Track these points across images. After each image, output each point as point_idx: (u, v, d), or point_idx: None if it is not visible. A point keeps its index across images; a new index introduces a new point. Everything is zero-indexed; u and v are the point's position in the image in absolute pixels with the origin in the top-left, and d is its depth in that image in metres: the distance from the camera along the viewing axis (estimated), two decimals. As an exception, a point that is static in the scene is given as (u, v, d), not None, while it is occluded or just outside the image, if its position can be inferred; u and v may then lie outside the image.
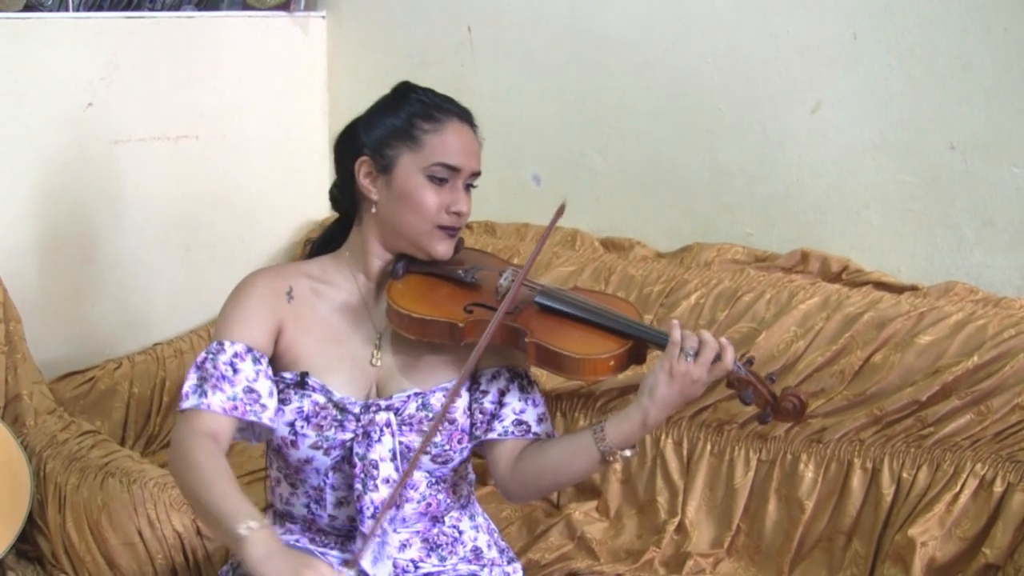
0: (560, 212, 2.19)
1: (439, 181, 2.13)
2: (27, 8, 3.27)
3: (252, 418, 2.05)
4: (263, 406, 2.07)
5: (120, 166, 3.33)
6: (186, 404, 2.05)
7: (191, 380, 2.07)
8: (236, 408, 2.04)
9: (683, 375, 1.97)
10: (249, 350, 2.09)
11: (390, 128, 2.15)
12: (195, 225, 3.56)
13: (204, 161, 3.55)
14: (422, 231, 2.14)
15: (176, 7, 3.61)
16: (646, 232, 3.27)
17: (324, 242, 2.35)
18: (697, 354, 1.97)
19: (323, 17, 3.84)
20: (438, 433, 2.14)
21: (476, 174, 2.20)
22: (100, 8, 3.45)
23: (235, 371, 2.06)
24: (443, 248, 2.17)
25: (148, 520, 2.52)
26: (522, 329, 2.07)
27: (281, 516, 2.30)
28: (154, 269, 3.47)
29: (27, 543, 2.72)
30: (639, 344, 2.08)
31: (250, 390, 2.06)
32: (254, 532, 1.82)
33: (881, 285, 2.83)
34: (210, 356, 2.08)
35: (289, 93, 3.76)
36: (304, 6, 3.78)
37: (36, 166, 3.14)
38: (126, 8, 3.45)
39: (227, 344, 2.09)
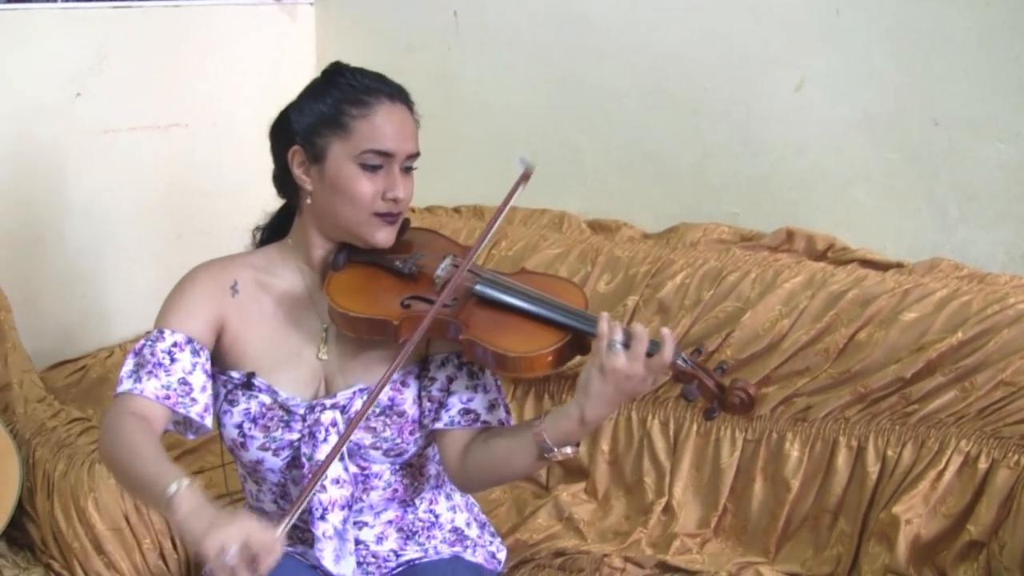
0: (525, 177, 2.16)
1: (372, 168, 2.07)
2: (15, -1, 3.28)
3: (182, 411, 2.04)
4: (194, 400, 2.05)
5: (110, 155, 3.35)
6: (120, 389, 2.03)
7: (127, 365, 2.05)
8: (169, 398, 2.02)
9: (615, 371, 1.89)
10: (189, 341, 2.07)
11: (318, 115, 2.09)
12: (186, 213, 3.57)
13: (194, 149, 3.56)
14: (359, 220, 2.10)
15: (165, -4, 3.62)
16: (632, 213, 3.26)
17: (271, 229, 2.32)
18: (627, 347, 1.89)
19: (311, 4, 3.85)
20: (387, 428, 2.12)
21: (413, 156, 2.13)
22: (89, -2, 3.46)
23: (172, 360, 2.04)
24: (383, 236, 2.12)
25: (135, 505, 2.52)
26: (457, 324, 2.03)
27: (255, 514, 2.30)
28: (146, 257, 3.48)
29: (17, 530, 2.73)
30: (579, 335, 2.02)
31: (184, 382, 2.04)
32: (180, 490, 1.79)
33: (867, 263, 2.82)
34: (148, 343, 2.06)
35: (278, 80, 3.75)
36: (292, -7, 3.79)
37: (27, 156, 3.15)
38: (114, -2, 3.47)
39: (167, 333, 2.07)
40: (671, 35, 3.11)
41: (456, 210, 3.50)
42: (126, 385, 2.03)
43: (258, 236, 2.33)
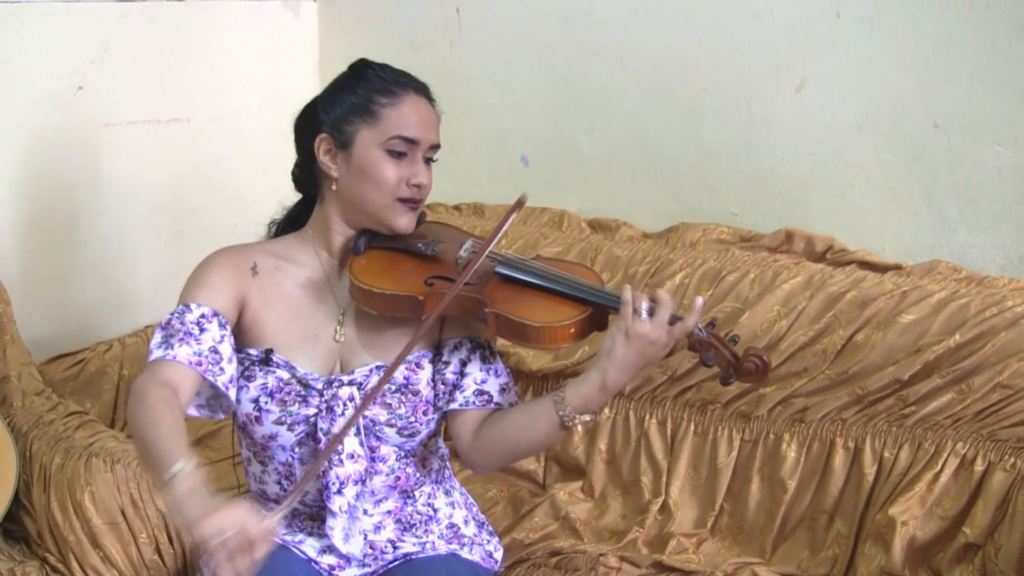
0: (519, 205, 2.17)
1: (398, 155, 2.14)
2: (18, -9, 3.28)
3: (211, 378, 2.07)
4: (222, 369, 2.09)
5: (111, 149, 3.34)
6: (151, 358, 2.06)
7: (156, 339, 2.09)
8: (200, 364, 2.05)
9: (640, 336, 1.96)
10: (215, 314, 2.12)
11: (348, 104, 2.17)
12: (187, 208, 3.57)
13: (195, 144, 3.56)
14: (383, 205, 2.16)
15: (169, -9, 3.62)
16: (632, 213, 3.27)
17: (287, 223, 2.38)
18: (653, 314, 1.97)
19: (314, 0, 3.85)
20: (402, 406, 2.15)
21: (435, 147, 2.21)
22: (92, -8, 3.45)
23: (202, 330, 2.08)
24: (405, 221, 2.19)
25: (131, 500, 2.53)
26: (482, 299, 2.08)
27: (257, 498, 2.32)
28: (146, 252, 3.48)
29: (13, 523, 2.73)
30: (600, 310, 2.09)
31: (214, 350, 2.08)
32: (180, 473, 1.79)
33: (865, 264, 2.82)
34: (176, 315, 2.10)
35: (281, 76, 3.76)
36: (295, -11, 3.79)
37: (27, 149, 3.15)
38: (118, -9, 3.46)
39: (193, 306, 2.11)
40: (673, 35, 3.11)
41: (457, 208, 3.51)
42: (157, 354, 2.06)
43: (273, 230, 2.40)
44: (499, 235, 2.13)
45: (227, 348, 2.12)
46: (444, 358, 2.22)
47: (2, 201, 3.11)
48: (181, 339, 2.06)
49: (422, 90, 2.22)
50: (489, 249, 2.12)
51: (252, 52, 3.71)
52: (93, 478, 2.54)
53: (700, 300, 2.01)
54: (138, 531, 2.52)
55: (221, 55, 3.61)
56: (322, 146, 2.19)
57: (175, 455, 1.82)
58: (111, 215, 3.37)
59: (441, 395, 2.20)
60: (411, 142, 2.15)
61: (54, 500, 2.58)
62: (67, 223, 3.28)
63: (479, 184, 3.54)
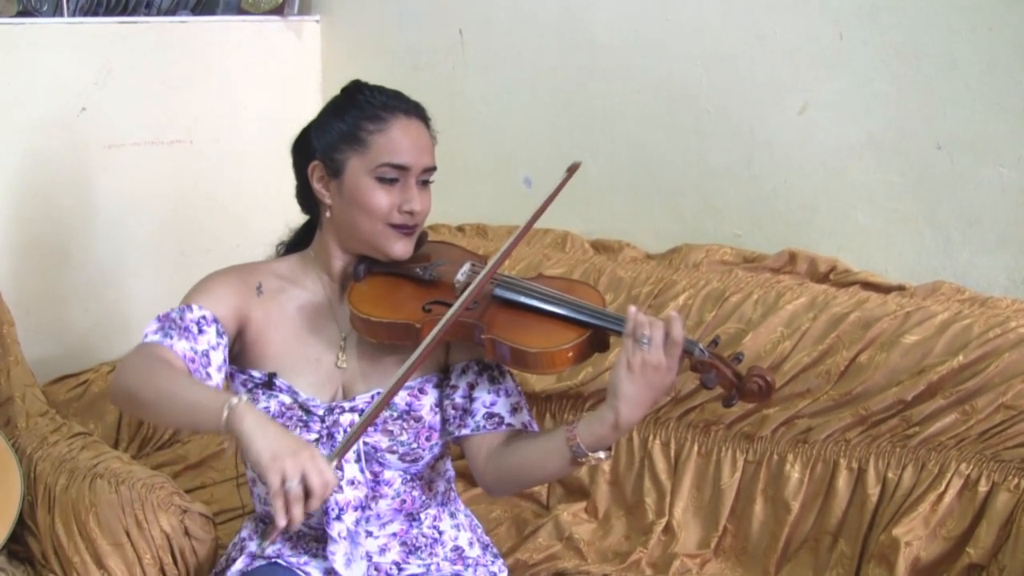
0: (572, 171, 2.23)
1: (389, 181, 2.13)
2: (21, 13, 3.29)
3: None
4: (209, 375, 2.08)
5: (114, 170, 3.36)
6: (147, 340, 2.05)
7: (152, 326, 2.08)
8: (193, 361, 2.04)
9: (642, 366, 1.92)
10: (215, 320, 2.10)
11: (337, 132, 2.15)
12: (189, 229, 3.58)
13: (198, 165, 3.57)
14: (376, 232, 2.15)
15: (172, 12, 3.63)
16: (635, 234, 3.27)
17: (294, 244, 2.38)
18: (649, 342, 1.93)
19: (317, 21, 3.87)
20: (404, 432, 2.14)
21: (429, 169, 2.19)
22: (95, 13, 3.46)
23: (200, 331, 2.07)
24: (400, 248, 2.17)
25: (136, 521, 2.52)
26: (478, 325, 2.06)
27: (262, 519, 2.32)
28: (148, 273, 3.49)
29: (18, 544, 2.73)
30: (599, 332, 2.06)
31: (206, 354, 2.07)
32: (241, 403, 1.83)
33: (869, 285, 2.82)
34: (176, 311, 2.09)
35: (283, 97, 3.78)
36: (298, 10, 3.80)
37: (30, 170, 3.16)
38: (121, 13, 3.47)
39: (195, 307, 2.10)
40: (675, 57, 3.12)
41: (460, 228, 3.51)
42: (153, 338, 2.05)
43: (280, 251, 2.40)
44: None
45: (219, 357, 2.10)
46: (452, 382, 2.21)
47: (4, 221, 3.12)
48: (180, 333, 2.05)
49: (413, 111, 2.20)
50: (489, 274, 2.09)
51: (255, 73, 3.73)
52: (97, 499, 2.54)
53: (673, 313, 1.96)
54: (143, 552, 2.51)
55: (224, 76, 3.63)
56: (315, 173, 2.18)
57: (223, 394, 1.87)
58: (114, 236, 3.38)
59: (452, 420, 2.19)
60: (401, 168, 2.13)
61: (58, 521, 2.58)
62: (70, 244, 3.29)
63: (482, 205, 3.55)
